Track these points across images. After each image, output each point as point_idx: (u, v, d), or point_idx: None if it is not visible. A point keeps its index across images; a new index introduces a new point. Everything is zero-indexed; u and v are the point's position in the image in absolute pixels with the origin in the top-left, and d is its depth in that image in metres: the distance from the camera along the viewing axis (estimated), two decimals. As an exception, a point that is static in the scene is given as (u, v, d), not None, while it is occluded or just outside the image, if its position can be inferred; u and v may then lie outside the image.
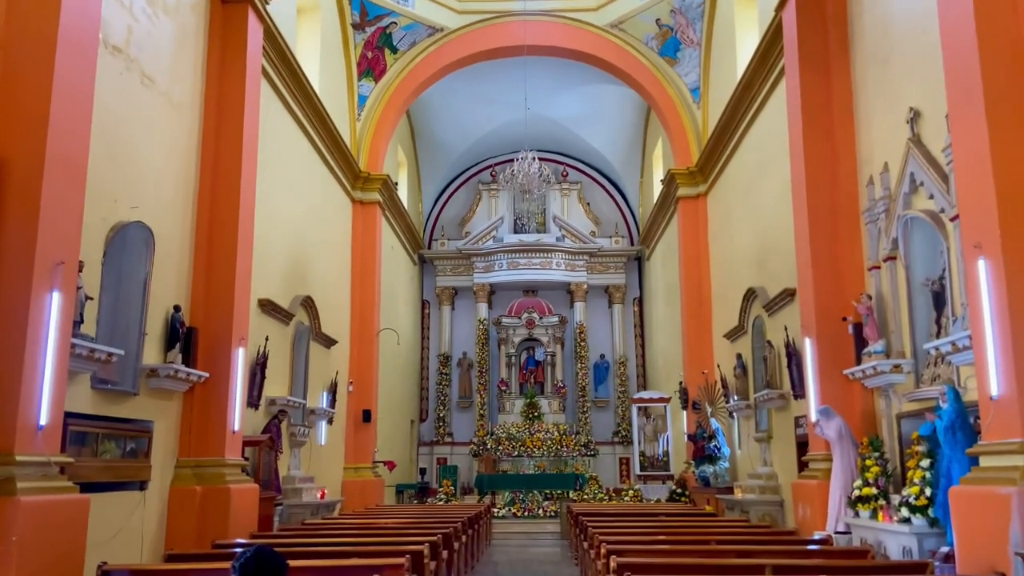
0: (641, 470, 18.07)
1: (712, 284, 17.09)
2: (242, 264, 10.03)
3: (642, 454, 18.19)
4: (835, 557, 6.32)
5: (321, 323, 14.64)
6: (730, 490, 14.67)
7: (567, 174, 25.33)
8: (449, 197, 25.94)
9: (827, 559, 6.17)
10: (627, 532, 8.46)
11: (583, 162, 25.64)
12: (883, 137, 9.01)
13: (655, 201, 20.92)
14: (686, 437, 16.63)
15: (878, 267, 8.99)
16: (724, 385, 15.49)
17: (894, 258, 8.63)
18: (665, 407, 18.29)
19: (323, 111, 14.78)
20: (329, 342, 15.44)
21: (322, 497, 13.26)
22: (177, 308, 9.05)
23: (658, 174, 21.83)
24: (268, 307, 12.10)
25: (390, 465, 17.40)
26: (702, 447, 15.53)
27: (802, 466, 10.91)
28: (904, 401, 8.37)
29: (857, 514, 8.09)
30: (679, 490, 16.53)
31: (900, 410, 8.48)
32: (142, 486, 8.46)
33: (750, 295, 13.76)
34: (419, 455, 23.54)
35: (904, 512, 6.96)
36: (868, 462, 8.07)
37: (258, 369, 11.60)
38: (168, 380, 8.75)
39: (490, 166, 25.04)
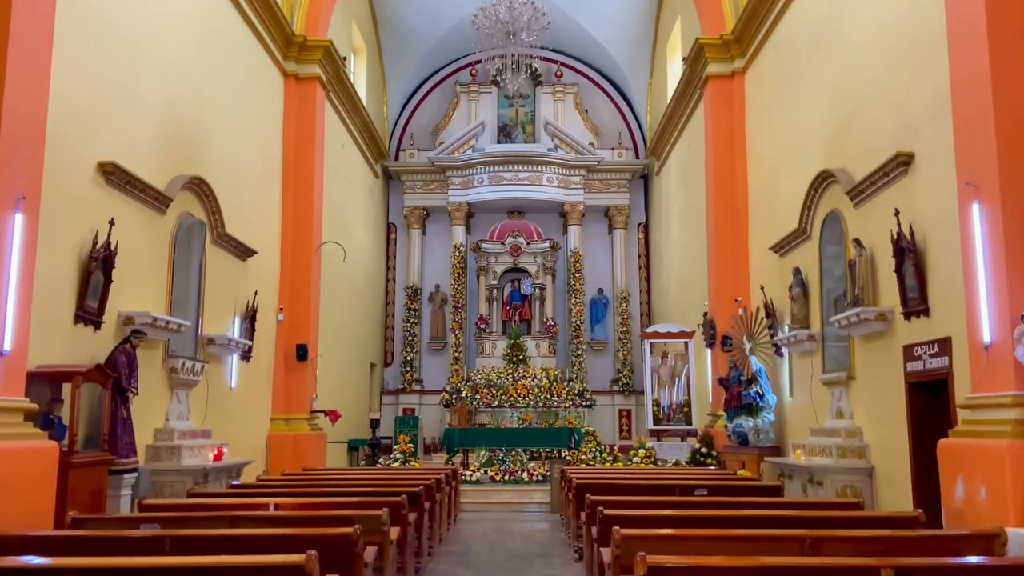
0: (655, 423, 14.28)
1: (750, 186, 13.25)
2: (24, 64, 5.94)
3: (655, 404, 14.38)
4: None
5: (225, 221, 10.63)
6: (777, 450, 11.18)
7: (561, 74, 21.10)
8: (420, 101, 21.69)
9: None
10: (678, 531, 4.58)
11: (581, 60, 21.42)
12: None
13: (671, 96, 16.86)
14: (717, 382, 12.86)
15: None
16: (769, 313, 11.74)
17: None
18: (687, 343, 14.44)
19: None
20: (243, 251, 11.47)
21: (217, 458, 9.36)
22: None
23: (674, 66, 17.74)
24: (120, 177, 8.07)
25: (333, 416, 13.54)
26: (738, 394, 11.95)
27: (929, 418, 7.14)
28: None
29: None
30: (704, 449, 12.80)
31: None
32: None
33: (821, 183, 9.99)
34: (382, 405, 19.69)
35: None
36: None
37: (98, 267, 7.62)
38: None
39: (470, 64, 20.77)
